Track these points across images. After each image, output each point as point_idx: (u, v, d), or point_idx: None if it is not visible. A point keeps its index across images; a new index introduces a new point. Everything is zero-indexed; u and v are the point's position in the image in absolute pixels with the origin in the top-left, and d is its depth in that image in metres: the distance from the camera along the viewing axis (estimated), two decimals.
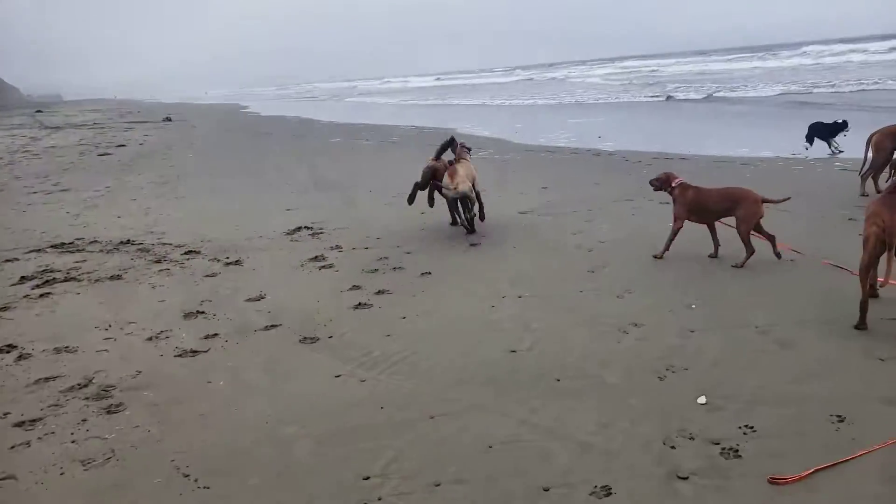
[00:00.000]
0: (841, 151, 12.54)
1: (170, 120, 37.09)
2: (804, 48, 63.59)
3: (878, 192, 9.03)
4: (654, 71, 59.51)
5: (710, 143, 15.34)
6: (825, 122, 12.91)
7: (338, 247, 8.04)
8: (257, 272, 7.20)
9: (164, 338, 5.45)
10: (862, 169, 9.17)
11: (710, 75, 45.88)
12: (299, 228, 9.12)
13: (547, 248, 7.43)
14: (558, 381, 4.33)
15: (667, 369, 4.38)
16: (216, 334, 5.46)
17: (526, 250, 7.45)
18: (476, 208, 8.47)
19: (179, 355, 5.10)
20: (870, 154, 9.06)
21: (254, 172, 15.06)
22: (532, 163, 14.50)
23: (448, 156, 9.20)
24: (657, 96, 32.35)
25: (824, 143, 12.77)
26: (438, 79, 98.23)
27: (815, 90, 28.04)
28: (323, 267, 7.24)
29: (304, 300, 6.18)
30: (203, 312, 5.99)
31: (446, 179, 8.16)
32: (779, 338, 4.73)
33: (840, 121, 12.66)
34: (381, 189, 11.98)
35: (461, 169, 8.21)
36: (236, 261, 7.64)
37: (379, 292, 6.26)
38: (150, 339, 5.44)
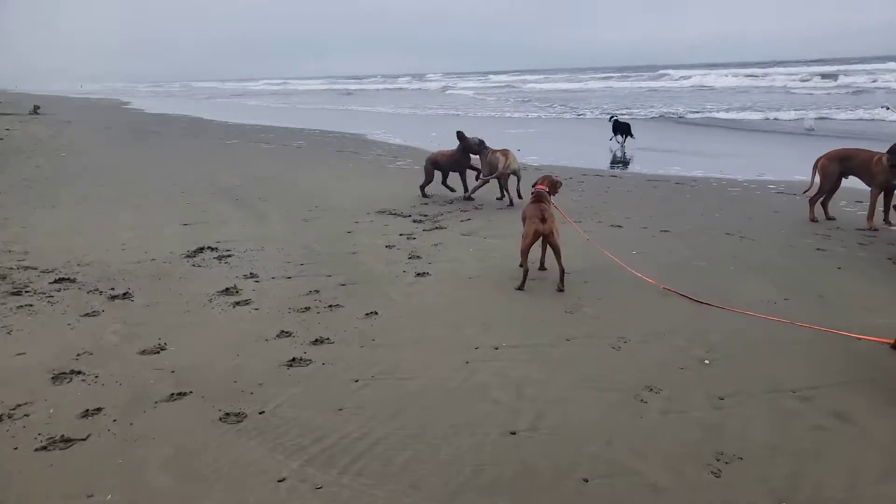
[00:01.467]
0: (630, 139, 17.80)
1: (38, 112, 33.19)
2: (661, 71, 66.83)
3: (828, 217, 8.63)
4: (536, 87, 60.32)
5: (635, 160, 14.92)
6: (620, 120, 18.47)
7: (253, 275, 6.58)
8: (153, 310, 5.63)
9: (19, 417, 3.86)
10: (807, 191, 8.77)
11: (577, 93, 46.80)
12: (202, 249, 7.54)
13: (507, 280, 6.33)
14: (586, 481, 3.22)
15: (717, 460, 3.36)
16: (99, 409, 3.93)
17: (484, 282, 6.32)
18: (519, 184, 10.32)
19: (43, 447, 3.56)
20: (817, 179, 8.67)
21: (142, 177, 13.06)
22: None
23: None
24: (564, 113, 32.30)
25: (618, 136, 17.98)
26: (333, 82, 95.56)
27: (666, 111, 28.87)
28: (238, 303, 5.78)
29: (218, 353, 4.73)
30: (80, 373, 4.41)
31: (502, 159, 9.83)
32: (830, 408, 3.84)
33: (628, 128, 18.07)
34: (296, 200, 10.50)
35: (511, 152, 9.97)
36: (124, 293, 6.02)
37: (316, 341, 4.91)
38: None
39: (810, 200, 8.66)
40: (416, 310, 5.58)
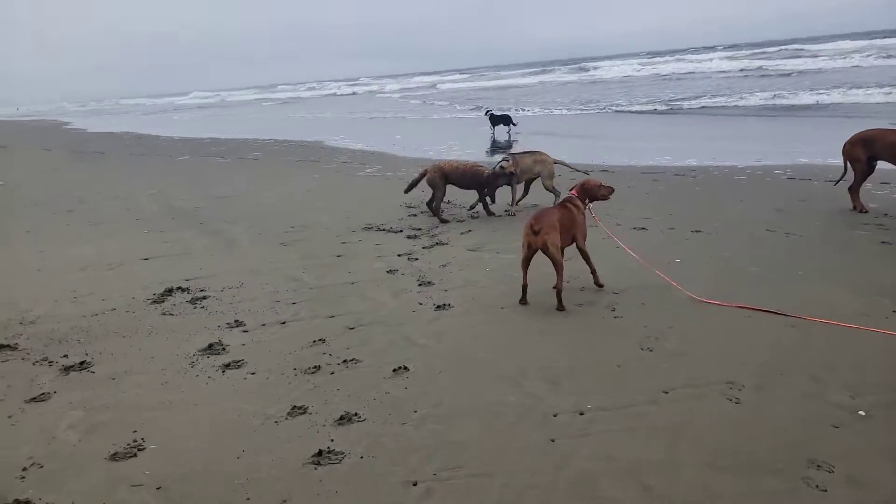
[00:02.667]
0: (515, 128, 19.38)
1: None
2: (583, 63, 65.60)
3: (857, 207, 7.75)
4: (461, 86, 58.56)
5: (612, 152, 14.01)
6: (496, 113, 19.95)
7: (239, 323, 5.31)
8: (120, 386, 4.31)
9: None
10: (840, 179, 7.89)
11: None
12: (171, 291, 6.20)
13: (544, 309, 5.22)
14: None
15: None
16: None
17: (520, 313, 5.19)
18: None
19: None
20: (848, 166, 7.80)
21: (90, 203, 11.46)
22: None
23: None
24: (525, 109, 31.32)
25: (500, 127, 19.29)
26: (265, 91, 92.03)
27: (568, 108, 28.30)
28: (228, 366, 4.51)
29: (215, 449, 3.48)
30: (28, 503, 3.12)
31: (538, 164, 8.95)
32: None
33: (509, 115, 20.00)
34: (267, 220, 9.17)
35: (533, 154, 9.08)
36: (81, 362, 4.67)
37: (342, 419, 3.69)
38: None
39: (850, 190, 7.75)
40: (453, 359, 4.42)
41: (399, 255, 7.04)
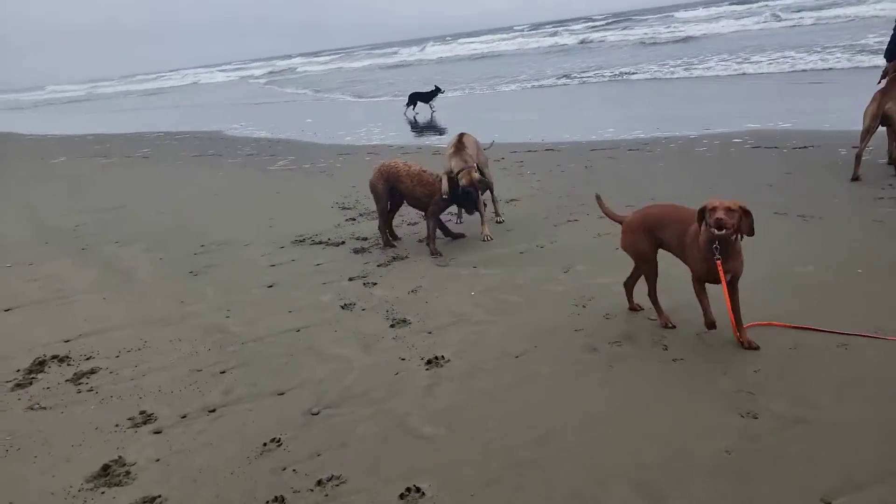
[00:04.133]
0: (435, 111, 17.40)
1: None
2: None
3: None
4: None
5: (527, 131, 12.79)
6: (422, 91, 17.82)
7: (146, 417, 3.57)
8: None
9: None
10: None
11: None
12: (42, 364, 4.34)
13: (580, 348, 3.80)
14: None
15: None
16: None
17: (548, 361, 3.74)
18: None
19: None
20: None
21: None
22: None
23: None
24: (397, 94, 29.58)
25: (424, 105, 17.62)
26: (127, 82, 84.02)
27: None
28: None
29: None
30: None
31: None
32: None
33: (435, 87, 17.74)
34: (170, 237, 7.23)
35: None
36: None
37: None
38: None
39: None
40: (482, 462, 2.93)
41: (350, 280, 5.42)
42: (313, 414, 3.45)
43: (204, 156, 13.92)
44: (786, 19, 31.99)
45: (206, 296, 5.40)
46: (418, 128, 15.76)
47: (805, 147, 8.34)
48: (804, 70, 16.38)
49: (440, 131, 14.64)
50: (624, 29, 43.65)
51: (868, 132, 6.68)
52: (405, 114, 17.80)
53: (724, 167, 7.82)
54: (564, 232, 6.06)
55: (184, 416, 3.55)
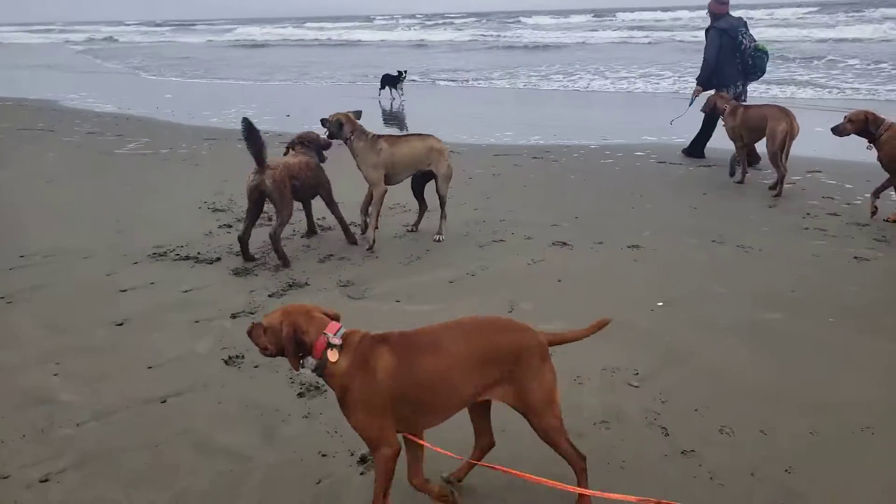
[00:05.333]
0: (404, 98, 15.72)
1: None
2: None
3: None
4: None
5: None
6: (392, 73, 16.02)
7: None
8: None
9: None
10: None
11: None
12: None
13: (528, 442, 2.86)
14: None
15: None
16: None
17: (524, 449, 2.76)
18: None
19: None
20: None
21: None
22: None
23: None
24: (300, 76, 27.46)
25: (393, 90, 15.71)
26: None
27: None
28: None
29: None
30: None
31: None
32: None
33: (401, 71, 16.09)
34: (106, 251, 5.33)
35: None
36: None
37: None
38: None
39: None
40: None
41: (234, 317, 4.08)
42: None
43: (31, 130, 11.41)
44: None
45: (22, 338, 3.82)
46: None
47: (701, 167, 8.07)
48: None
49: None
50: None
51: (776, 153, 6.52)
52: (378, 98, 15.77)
53: (638, 183, 7.27)
54: (493, 255, 5.11)
55: None
